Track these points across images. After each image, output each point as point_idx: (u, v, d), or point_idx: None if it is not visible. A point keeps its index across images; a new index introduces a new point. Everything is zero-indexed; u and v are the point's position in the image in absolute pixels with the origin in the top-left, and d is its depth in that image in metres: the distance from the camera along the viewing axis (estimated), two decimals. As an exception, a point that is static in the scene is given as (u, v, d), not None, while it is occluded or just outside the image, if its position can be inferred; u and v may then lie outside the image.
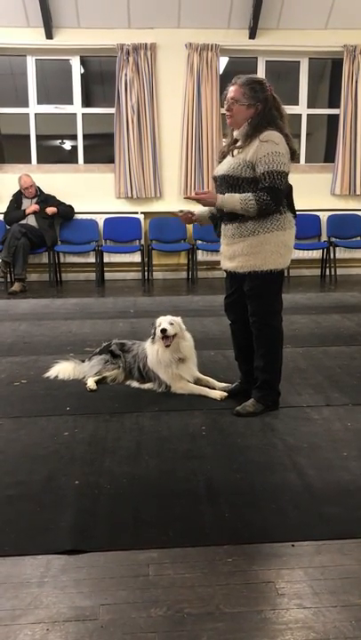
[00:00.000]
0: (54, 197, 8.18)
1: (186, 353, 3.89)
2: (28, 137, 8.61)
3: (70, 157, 9.14)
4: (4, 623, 1.91)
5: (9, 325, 5.81)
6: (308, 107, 8.79)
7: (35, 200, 8.08)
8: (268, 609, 1.96)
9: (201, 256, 8.31)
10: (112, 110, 8.32)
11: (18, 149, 8.94)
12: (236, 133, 3.40)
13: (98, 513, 2.51)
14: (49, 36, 8.01)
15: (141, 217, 8.41)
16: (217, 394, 3.80)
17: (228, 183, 3.33)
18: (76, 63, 8.47)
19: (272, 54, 8.48)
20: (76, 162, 8.76)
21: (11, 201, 8.13)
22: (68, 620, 1.92)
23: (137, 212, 8.44)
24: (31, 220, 7.97)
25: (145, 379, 4.02)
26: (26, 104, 8.52)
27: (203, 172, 8.36)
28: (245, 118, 3.31)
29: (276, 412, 3.56)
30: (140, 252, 8.28)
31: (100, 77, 9.31)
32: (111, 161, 8.51)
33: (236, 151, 3.34)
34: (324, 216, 8.54)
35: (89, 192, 8.46)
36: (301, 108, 8.72)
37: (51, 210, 7.99)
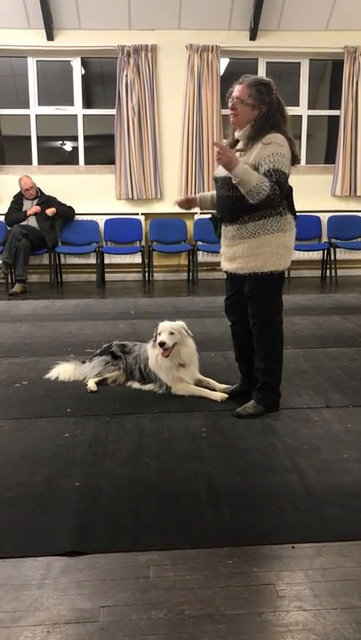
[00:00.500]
0: (55, 199, 8.18)
1: (186, 359, 3.87)
2: (28, 138, 8.62)
3: (71, 159, 9.15)
4: (4, 625, 1.91)
5: (10, 326, 5.82)
6: (309, 108, 8.80)
7: (35, 201, 8.09)
8: (269, 611, 1.96)
9: (201, 257, 8.31)
10: (113, 111, 8.33)
11: (19, 151, 8.95)
12: (237, 134, 3.38)
13: (98, 514, 2.52)
14: (50, 37, 8.03)
15: (142, 218, 8.42)
16: (217, 395, 3.80)
17: (229, 185, 3.33)
18: (76, 64, 8.48)
19: (273, 55, 8.49)
20: (77, 163, 8.77)
21: (12, 202, 8.14)
22: (68, 622, 1.92)
23: (137, 214, 8.45)
24: (32, 222, 7.98)
25: (146, 380, 4.03)
26: (27, 105, 8.53)
27: (203, 173, 8.37)
28: (249, 119, 3.29)
29: (277, 414, 3.57)
30: (140, 253, 8.28)
31: (101, 79, 9.32)
32: (112, 162, 8.52)
33: (238, 154, 3.33)
34: (324, 217, 8.54)
35: (90, 193, 8.47)
36: (302, 110, 8.73)
37: (50, 210, 8.00)
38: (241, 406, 3.57)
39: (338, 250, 8.41)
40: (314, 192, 8.39)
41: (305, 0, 7.88)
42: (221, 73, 8.34)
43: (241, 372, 3.83)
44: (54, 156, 9.78)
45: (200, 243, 8.21)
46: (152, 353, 3.93)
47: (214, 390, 3.88)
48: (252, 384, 3.64)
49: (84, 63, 8.63)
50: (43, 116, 8.62)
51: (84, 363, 4.31)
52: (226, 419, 3.50)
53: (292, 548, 2.29)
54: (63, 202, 8.20)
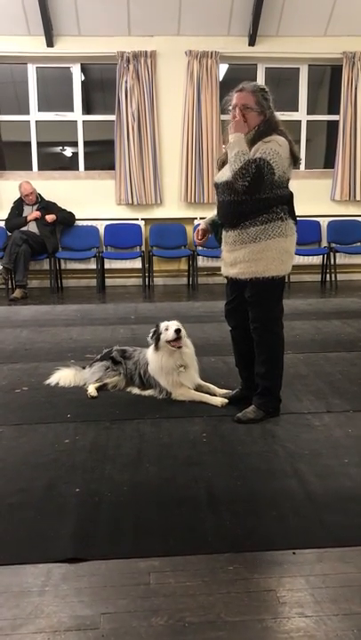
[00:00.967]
0: (55, 204, 8.20)
1: (187, 360, 3.90)
2: (28, 144, 8.65)
3: (71, 164, 9.17)
4: (4, 633, 1.90)
5: (10, 332, 5.82)
6: (308, 113, 8.82)
7: (36, 207, 8.10)
8: (270, 618, 1.96)
9: (201, 262, 8.32)
10: (112, 117, 8.36)
11: (19, 156, 8.97)
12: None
13: (98, 521, 2.51)
14: (50, 44, 8.06)
15: (142, 223, 8.43)
16: (217, 400, 3.79)
17: (230, 189, 3.33)
18: (76, 71, 8.51)
19: (272, 61, 8.51)
20: (77, 169, 8.79)
21: (12, 208, 8.16)
22: (68, 630, 1.91)
23: (137, 219, 8.47)
24: (32, 227, 7.99)
25: (145, 385, 4.02)
26: (27, 111, 8.56)
27: (203, 178, 8.38)
28: (254, 124, 3.33)
29: (277, 419, 3.56)
30: (140, 258, 8.29)
31: (101, 85, 9.35)
32: (112, 168, 8.54)
33: None
34: (324, 222, 8.55)
35: (90, 199, 8.48)
36: (301, 115, 8.75)
37: (50, 217, 8.02)
38: (241, 411, 3.57)
39: (338, 254, 8.42)
40: (313, 197, 8.40)
41: (303, 6, 7.91)
42: (221, 78, 8.37)
43: (241, 377, 3.82)
44: (54, 162, 9.80)
45: (200, 248, 8.21)
46: (154, 357, 3.92)
47: (214, 395, 3.88)
48: (252, 389, 3.64)
49: (84, 69, 8.66)
50: (43, 121, 8.64)
51: (84, 368, 4.31)
52: (226, 424, 3.50)
53: (293, 553, 2.28)
54: (63, 207, 8.22)
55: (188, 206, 8.47)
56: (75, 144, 8.78)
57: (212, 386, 3.98)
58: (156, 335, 3.86)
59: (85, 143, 8.71)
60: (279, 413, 3.61)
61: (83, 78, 8.60)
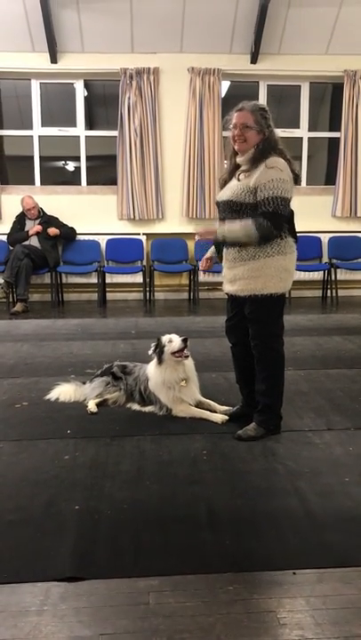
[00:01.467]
0: (57, 219, 8.24)
1: (189, 373, 3.91)
2: (31, 158, 8.70)
3: (73, 179, 9.22)
4: (2, 653, 1.89)
5: (11, 346, 5.82)
6: (310, 130, 8.89)
7: (37, 221, 8.14)
8: (270, 639, 1.94)
9: (202, 277, 8.33)
10: (115, 133, 8.42)
11: (21, 171, 9.03)
12: (240, 159, 3.43)
13: (98, 539, 2.50)
14: (53, 60, 8.14)
15: (143, 238, 8.46)
16: (218, 417, 3.78)
17: (231, 209, 3.36)
18: (79, 87, 8.58)
19: (273, 79, 8.59)
20: (79, 183, 8.83)
21: (14, 222, 8.19)
22: (67, 650, 1.90)
23: (139, 234, 8.50)
24: (34, 241, 8.02)
25: (146, 401, 4.02)
26: (30, 126, 8.62)
27: (204, 194, 8.42)
28: (254, 143, 3.36)
29: (278, 436, 3.55)
30: (141, 272, 8.31)
31: (104, 100, 9.43)
32: (114, 183, 8.58)
33: (242, 175, 3.37)
34: (325, 238, 8.59)
35: (91, 213, 8.52)
36: (302, 132, 8.82)
37: (53, 231, 8.05)
38: (242, 429, 3.56)
39: (338, 270, 8.44)
40: (314, 213, 8.44)
41: (305, 25, 8.00)
42: (223, 95, 8.43)
43: (242, 394, 3.82)
44: (57, 177, 9.85)
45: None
46: (156, 371, 3.90)
47: (215, 412, 3.87)
48: (253, 406, 3.63)
49: (87, 85, 8.73)
50: (46, 136, 8.70)
51: (84, 383, 4.30)
52: (227, 441, 3.49)
53: (293, 574, 2.27)
54: (65, 222, 8.25)
55: (190, 221, 8.50)
56: (77, 159, 8.84)
57: (212, 402, 3.98)
58: (159, 349, 3.86)
59: (88, 158, 8.76)
60: (280, 431, 3.60)
61: (86, 94, 8.67)
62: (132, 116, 8.26)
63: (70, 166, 9.68)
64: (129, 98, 8.23)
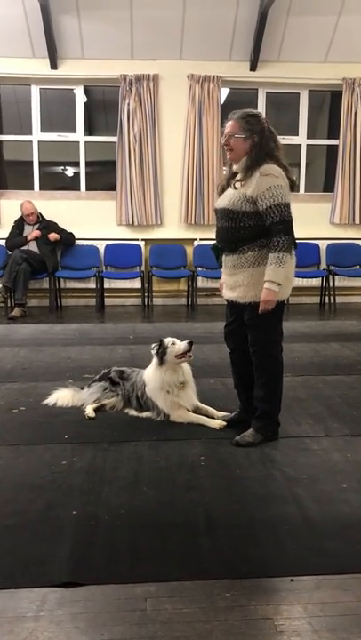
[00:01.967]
0: (56, 224, 8.24)
1: (187, 377, 3.91)
2: (30, 164, 8.71)
3: (72, 184, 9.24)
4: (-2, 659, 1.88)
5: (9, 351, 5.81)
6: (308, 137, 8.91)
7: (36, 226, 8.14)
8: (267, 646, 1.93)
9: (201, 283, 8.35)
10: (114, 139, 8.44)
11: (21, 176, 9.04)
12: (235, 167, 3.45)
13: (95, 545, 2.49)
14: (53, 66, 8.16)
15: (142, 243, 8.47)
16: (216, 423, 3.78)
17: (228, 216, 3.37)
18: (79, 92, 8.61)
19: (272, 86, 8.62)
20: (78, 189, 8.84)
21: (13, 227, 8.19)
22: (63, 657, 1.89)
23: (138, 239, 8.51)
24: (33, 246, 8.02)
25: (143, 407, 4.01)
26: (29, 132, 8.64)
27: (203, 200, 8.44)
28: (244, 150, 3.37)
29: (276, 443, 3.55)
30: (140, 278, 8.32)
31: (103, 106, 9.46)
32: (113, 188, 8.60)
33: (238, 184, 3.38)
34: (323, 245, 8.60)
35: (90, 218, 8.53)
36: (301, 139, 8.84)
37: (54, 236, 8.06)
38: (240, 435, 3.55)
39: (337, 277, 8.46)
40: (313, 220, 8.45)
41: (304, 33, 8.04)
42: (222, 102, 8.46)
43: (240, 400, 3.82)
44: (56, 182, 9.88)
45: (200, 268, 8.25)
46: (156, 374, 3.88)
47: (213, 418, 3.86)
48: (251, 412, 3.63)
49: (87, 91, 8.76)
50: (45, 142, 8.72)
51: (82, 389, 4.29)
52: (225, 447, 3.48)
53: (291, 580, 2.26)
54: (64, 227, 8.25)
55: (188, 227, 8.52)
56: (76, 164, 8.85)
57: (210, 408, 3.97)
58: (162, 350, 3.85)
59: (87, 164, 8.78)
60: (278, 437, 3.59)
61: (85, 100, 8.70)
62: (131, 122, 8.28)
63: (69, 172, 9.70)
64: (128, 104, 8.26)
